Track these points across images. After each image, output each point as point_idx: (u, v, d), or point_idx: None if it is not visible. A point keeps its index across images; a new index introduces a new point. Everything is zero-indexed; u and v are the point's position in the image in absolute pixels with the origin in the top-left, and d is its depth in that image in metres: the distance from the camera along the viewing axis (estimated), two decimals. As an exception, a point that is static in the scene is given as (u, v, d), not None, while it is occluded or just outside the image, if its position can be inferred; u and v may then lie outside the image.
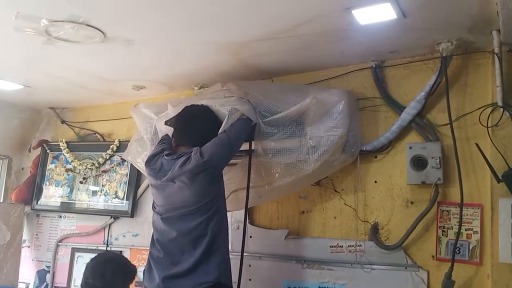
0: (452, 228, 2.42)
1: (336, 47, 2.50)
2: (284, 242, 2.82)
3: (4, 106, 3.73)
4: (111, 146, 3.50)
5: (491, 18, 2.05)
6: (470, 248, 2.38)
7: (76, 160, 3.62)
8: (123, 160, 3.41)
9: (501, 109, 2.28)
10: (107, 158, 3.52)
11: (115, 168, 3.51)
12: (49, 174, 3.76)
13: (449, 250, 2.40)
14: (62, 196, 3.67)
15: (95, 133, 3.70)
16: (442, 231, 2.46)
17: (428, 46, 2.45)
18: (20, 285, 3.66)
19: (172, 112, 2.51)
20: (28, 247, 3.79)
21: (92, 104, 3.74)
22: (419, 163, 2.44)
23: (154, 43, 2.45)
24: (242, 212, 2.52)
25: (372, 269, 2.59)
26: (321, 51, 2.56)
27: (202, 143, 2.23)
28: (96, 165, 3.54)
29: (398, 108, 2.59)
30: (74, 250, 3.59)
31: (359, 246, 2.63)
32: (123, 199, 3.43)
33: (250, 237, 2.89)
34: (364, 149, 2.62)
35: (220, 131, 2.30)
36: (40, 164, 3.79)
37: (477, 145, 2.29)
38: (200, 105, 2.39)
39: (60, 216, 3.73)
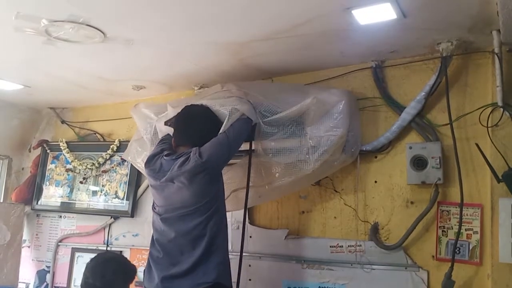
0: (452, 228, 2.42)
1: (336, 47, 2.50)
2: (284, 242, 2.82)
3: (4, 106, 3.73)
4: (111, 146, 3.50)
5: (491, 18, 2.05)
6: (470, 248, 2.38)
7: (76, 160, 3.62)
8: (123, 160, 3.41)
9: (501, 109, 2.28)
10: (107, 158, 3.52)
11: (115, 168, 3.51)
12: (49, 174, 3.76)
13: (449, 250, 2.40)
14: (62, 196, 3.67)
15: (95, 133, 3.70)
16: (442, 231, 2.45)
17: (428, 46, 2.45)
18: (20, 285, 3.66)
19: (171, 112, 2.51)
20: (28, 247, 3.79)
21: (92, 104, 3.74)
22: (419, 163, 2.44)
23: (154, 43, 2.45)
24: (242, 212, 2.51)
25: (372, 269, 2.59)
26: (321, 51, 2.56)
27: (201, 143, 2.23)
28: (96, 165, 3.54)
29: (398, 108, 2.59)
30: (74, 250, 3.59)
31: (359, 246, 2.63)
32: (123, 199, 3.43)
33: (250, 237, 2.89)
34: (364, 149, 2.62)
35: (220, 131, 2.30)
36: (40, 164, 3.79)
37: (477, 145, 2.29)
38: (200, 105, 2.39)
39: (60, 216, 3.73)
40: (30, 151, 3.98)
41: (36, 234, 3.80)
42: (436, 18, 2.12)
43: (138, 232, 3.38)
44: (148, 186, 3.07)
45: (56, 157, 3.76)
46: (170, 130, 2.50)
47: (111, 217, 3.48)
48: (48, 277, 3.66)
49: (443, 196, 2.46)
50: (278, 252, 2.83)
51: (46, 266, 3.70)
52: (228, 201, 2.53)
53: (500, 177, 2.19)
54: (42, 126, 3.99)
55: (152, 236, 2.36)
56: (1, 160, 3.95)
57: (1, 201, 3.91)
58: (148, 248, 2.37)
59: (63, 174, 3.70)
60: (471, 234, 2.39)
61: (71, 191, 3.64)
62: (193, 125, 2.35)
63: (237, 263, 2.42)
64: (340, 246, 2.69)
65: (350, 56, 2.63)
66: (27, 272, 3.74)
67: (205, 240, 2.17)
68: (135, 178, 3.41)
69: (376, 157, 2.66)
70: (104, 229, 3.51)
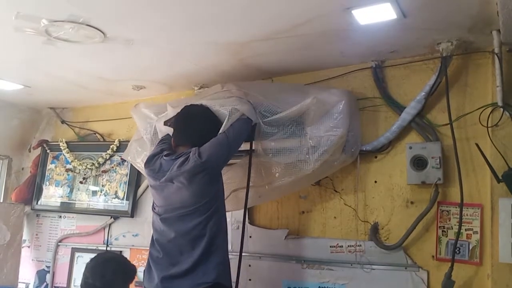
0: (452, 228, 2.42)
1: (336, 47, 2.50)
2: (284, 242, 2.82)
3: (4, 106, 3.73)
4: (111, 146, 3.50)
5: (491, 18, 2.05)
6: (470, 248, 2.38)
7: (76, 160, 3.62)
8: (123, 160, 3.41)
9: (501, 109, 2.28)
10: (107, 158, 3.52)
11: (115, 168, 3.51)
12: (49, 174, 3.76)
13: (449, 250, 2.40)
14: (62, 196, 3.67)
15: (95, 133, 3.70)
16: (442, 231, 2.45)
17: (428, 46, 2.45)
18: (20, 285, 3.66)
19: (171, 112, 2.51)
20: (28, 247, 3.79)
21: (92, 104, 3.74)
22: (419, 163, 2.44)
23: (154, 43, 2.45)
24: (242, 212, 2.51)
25: (372, 269, 2.59)
26: (321, 51, 2.56)
27: (201, 143, 2.23)
28: (96, 165, 3.54)
29: (398, 108, 2.59)
30: (74, 250, 3.59)
31: (359, 246, 2.63)
32: (123, 199, 3.43)
33: (250, 237, 2.89)
34: (364, 149, 2.62)
35: (220, 131, 2.30)
36: (40, 164, 3.79)
37: (477, 145, 2.29)
38: (200, 105, 2.39)
39: (60, 216, 3.73)
40: (30, 151, 3.98)
41: (36, 234, 3.80)
42: (436, 18, 2.12)
43: (138, 232, 3.38)
44: (148, 186, 3.07)
45: (56, 157, 3.76)
46: (170, 130, 2.49)
47: (111, 217, 3.48)
48: (48, 277, 3.66)
49: (443, 196, 2.46)
50: (278, 252, 2.83)
51: (46, 266, 3.70)
52: (228, 201, 2.53)
53: (500, 177, 2.19)
54: (42, 126, 3.99)
55: (152, 236, 2.36)
56: (1, 160, 3.95)
57: (1, 201, 3.91)
58: (148, 248, 2.37)
59: (63, 174, 3.70)
60: (471, 234, 2.39)
61: (71, 191, 3.64)
62: (192, 125, 2.35)
63: (237, 263, 2.42)
64: (340, 246, 2.69)
65: (350, 56, 2.63)
66: (27, 272, 3.74)
67: (204, 240, 2.17)
68: (135, 178, 3.41)
69: (376, 157, 2.66)
70: (104, 229, 3.51)
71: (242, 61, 2.67)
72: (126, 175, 3.45)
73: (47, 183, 3.75)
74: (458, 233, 2.34)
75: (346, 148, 2.51)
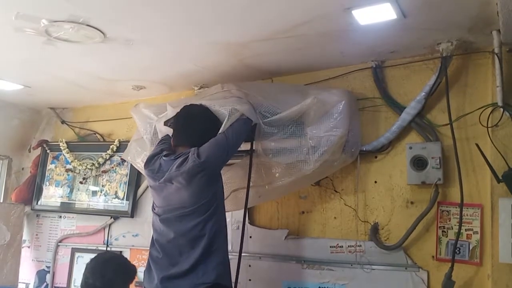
0: (452, 228, 2.42)
1: (336, 47, 2.50)
2: (284, 242, 2.82)
3: (4, 106, 3.73)
4: (111, 146, 3.50)
5: (491, 18, 2.05)
6: (470, 248, 2.38)
7: (76, 160, 3.62)
8: (123, 160, 3.41)
9: (501, 109, 2.28)
10: (107, 158, 3.52)
11: (115, 168, 3.51)
12: (49, 174, 3.76)
13: (449, 250, 2.40)
14: (62, 196, 3.67)
15: (95, 133, 3.70)
16: (442, 231, 2.45)
17: (428, 46, 2.45)
18: (20, 285, 3.66)
19: (171, 112, 2.51)
20: (28, 247, 3.79)
21: (92, 104, 3.74)
22: (419, 163, 2.44)
23: (154, 43, 2.45)
24: (242, 212, 2.51)
25: (372, 269, 2.59)
26: (321, 51, 2.56)
27: (200, 143, 2.23)
28: (96, 165, 3.54)
29: (398, 108, 2.59)
30: (74, 250, 3.59)
31: (359, 246, 2.63)
32: (123, 199, 3.43)
33: (250, 237, 2.89)
34: (364, 149, 2.62)
35: (220, 131, 2.29)
36: (40, 164, 3.79)
37: (477, 145, 2.29)
38: (200, 105, 2.39)
39: (60, 216, 3.73)
40: (30, 151, 3.98)
41: (36, 234, 3.80)
42: (436, 18, 2.12)
43: (138, 232, 3.38)
44: (148, 186, 3.07)
45: (56, 157, 3.76)
46: (169, 131, 2.49)
47: (111, 217, 3.48)
48: (48, 277, 3.66)
49: (443, 196, 2.46)
50: (278, 252, 2.83)
51: (46, 266, 3.70)
52: (228, 201, 2.53)
53: (500, 177, 2.19)
54: (42, 126, 3.99)
55: (152, 237, 2.36)
56: (1, 160, 3.94)
57: (1, 201, 3.91)
58: (148, 248, 2.37)
59: (63, 174, 3.70)
60: (471, 234, 2.38)
61: (71, 191, 3.64)
62: (192, 125, 2.34)
63: (237, 263, 2.41)
64: (340, 246, 2.69)
65: (350, 56, 2.63)
66: (27, 272, 3.73)
67: (204, 240, 2.16)
68: (135, 178, 3.41)
69: (376, 157, 2.66)
70: (104, 229, 3.51)
71: (242, 61, 2.67)
72: (126, 175, 3.45)
73: (47, 183, 3.75)
74: (458, 233, 2.34)
75: (346, 148, 2.51)
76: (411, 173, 2.46)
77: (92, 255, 2.58)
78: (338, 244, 2.70)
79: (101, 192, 3.53)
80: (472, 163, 2.41)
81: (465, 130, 2.44)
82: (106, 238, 3.49)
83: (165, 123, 2.53)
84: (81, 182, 3.60)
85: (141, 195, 3.40)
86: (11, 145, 3.93)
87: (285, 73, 2.90)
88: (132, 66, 2.83)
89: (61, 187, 3.68)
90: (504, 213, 2.21)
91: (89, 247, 3.54)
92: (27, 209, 3.77)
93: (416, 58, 2.58)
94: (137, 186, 3.41)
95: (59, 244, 3.67)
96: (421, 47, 2.47)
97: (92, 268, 2.42)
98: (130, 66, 2.84)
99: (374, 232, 2.61)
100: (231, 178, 2.60)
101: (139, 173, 3.30)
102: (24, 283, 3.73)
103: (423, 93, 2.48)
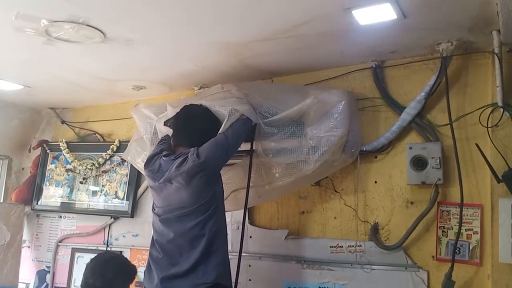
0: (452, 228, 2.42)
1: (336, 47, 2.50)
2: (284, 242, 2.82)
3: (4, 106, 3.73)
4: (111, 147, 3.50)
5: (491, 18, 2.05)
6: (470, 248, 2.38)
7: (76, 161, 3.62)
8: (123, 160, 3.41)
9: (501, 109, 2.28)
10: (107, 158, 3.52)
11: (115, 168, 3.51)
12: (49, 174, 3.76)
13: (449, 251, 2.40)
14: (62, 196, 3.67)
15: (95, 133, 3.70)
16: (442, 231, 2.45)
17: (428, 46, 2.45)
18: (20, 285, 3.66)
19: (171, 112, 2.51)
20: (28, 247, 3.79)
21: (92, 104, 3.74)
22: (419, 163, 2.44)
23: (154, 43, 2.45)
24: (242, 212, 2.51)
25: (372, 269, 2.59)
26: (321, 51, 2.56)
27: (200, 144, 2.23)
28: (96, 165, 3.54)
29: (398, 108, 2.59)
30: (74, 250, 3.59)
31: (359, 246, 2.63)
32: (123, 199, 3.43)
33: (250, 237, 2.89)
34: (364, 149, 2.62)
35: (220, 131, 2.29)
36: (40, 164, 3.79)
37: (477, 145, 2.29)
38: (200, 105, 2.39)
39: (60, 216, 3.73)
40: (30, 151, 3.98)
41: (36, 234, 3.80)
42: (436, 18, 2.12)
43: (138, 232, 3.38)
44: (148, 186, 3.07)
45: (56, 157, 3.76)
46: (170, 131, 2.49)
47: (111, 217, 3.48)
48: (48, 277, 3.66)
49: (443, 196, 2.46)
50: (278, 252, 2.83)
51: (46, 266, 3.70)
52: (228, 201, 2.53)
53: (500, 177, 2.19)
54: (42, 126, 3.99)
55: (152, 237, 2.36)
56: (1, 160, 3.94)
57: (1, 201, 3.91)
58: (148, 248, 2.37)
59: (63, 174, 3.70)
60: (471, 234, 2.38)
61: (71, 191, 3.64)
62: (192, 125, 2.34)
63: (237, 263, 2.41)
64: (340, 246, 2.69)
65: (350, 56, 2.63)
66: (27, 272, 3.73)
67: (203, 240, 2.16)
68: (135, 178, 3.41)
69: (376, 157, 2.66)
70: (104, 229, 3.51)
71: (242, 61, 2.67)
72: (126, 175, 3.46)
73: (47, 183, 3.75)
74: (458, 233, 2.34)
75: (346, 148, 2.51)
76: (411, 173, 2.46)
77: (92, 255, 2.58)
78: (338, 244, 2.70)
79: (101, 192, 3.53)
80: (472, 163, 2.41)
81: (465, 130, 2.44)
82: (106, 238, 3.49)
83: (165, 123, 2.53)
84: (81, 182, 3.60)
85: (141, 195, 3.40)
86: (11, 145, 3.93)
87: (285, 73, 2.90)
88: (132, 66, 2.83)
89: (61, 187, 3.68)
90: (504, 213, 2.21)
91: (89, 247, 3.54)
92: (27, 209, 3.77)
93: (416, 58, 2.58)
94: (137, 186, 3.41)
95: (59, 244, 3.67)
96: (421, 47, 2.47)
97: (92, 268, 2.42)
98: (130, 66, 2.84)
99: (374, 232, 2.61)
100: (231, 178, 2.60)
101: (139, 173, 3.30)
102: (24, 283, 3.73)
103: (423, 93, 2.48)
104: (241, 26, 2.24)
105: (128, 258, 2.83)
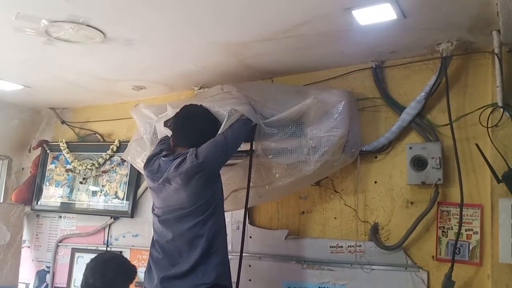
0: (452, 229, 2.42)
1: (336, 47, 2.50)
2: (284, 242, 2.82)
3: (4, 106, 3.73)
4: (111, 147, 3.50)
5: (491, 19, 2.05)
6: (470, 248, 2.38)
7: (76, 161, 3.62)
8: (123, 161, 3.41)
9: (501, 110, 2.28)
10: (107, 158, 3.52)
11: (115, 169, 3.51)
12: (49, 174, 3.76)
13: (449, 251, 2.40)
14: (62, 197, 3.67)
15: (95, 134, 3.70)
16: (442, 231, 2.45)
17: (428, 46, 2.45)
18: (20, 285, 3.65)
19: (171, 113, 2.51)
20: (28, 247, 3.79)
21: (92, 104, 3.74)
22: (419, 163, 2.44)
23: (154, 43, 2.45)
24: (242, 212, 2.51)
25: (372, 270, 2.59)
26: (321, 51, 2.56)
27: (200, 144, 2.22)
28: (96, 165, 3.54)
29: (398, 108, 2.59)
30: (74, 251, 3.59)
31: (359, 246, 2.63)
32: (123, 199, 3.43)
33: (250, 237, 2.89)
34: (364, 149, 2.62)
35: (219, 132, 2.29)
36: (40, 165, 3.79)
37: (477, 145, 2.29)
38: (199, 105, 2.38)
39: (60, 217, 3.73)
40: (30, 151, 3.98)
41: (36, 235, 3.80)
42: (436, 18, 2.12)
43: (138, 232, 3.38)
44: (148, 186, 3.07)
45: (56, 158, 3.76)
46: (169, 132, 2.49)
47: (111, 218, 3.48)
48: (48, 277, 3.66)
49: (443, 196, 2.46)
50: (278, 253, 2.83)
51: (46, 266, 3.70)
52: (228, 201, 2.53)
53: (500, 177, 2.19)
54: (42, 127, 3.99)
55: (153, 237, 2.36)
56: (1, 160, 3.94)
57: (1, 201, 3.91)
58: (148, 248, 2.37)
59: (63, 175, 3.70)
60: (471, 235, 2.38)
61: (71, 191, 3.64)
62: (191, 125, 2.34)
63: (237, 264, 2.41)
64: (340, 247, 2.69)
65: (350, 56, 2.63)
66: (27, 273, 3.73)
67: (203, 241, 2.16)
68: (135, 179, 3.41)
69: (376, 157, 2.66)
70: (104, 229, 3.51)
71: (242, 61, 2.67)
72: (126, 176, 3.45)
73: (47, 183, 3.75)
74: (458, 234, 2.34)
75: (346, 148, 2.51)
76: (411, 173, 2.46)
77: (92, 255, 2.58)
78: (338, 244, 2.70)
79: (101, 192, 3.53)
80: (472, 163, 2.41)
81: (465, 130, 2.44)
82: (106, 238, 3.49)
83: (165, 124, 2.53)
84: (81, 182, 3.60)
85: (141, 195, 3.40)
86: (11, 145, 3.93)
87: (285, 73, 2.90)
88: (132, 66, 2.83)
89: (61, 187, 3.68)
90: (504, 213, 2.21)
91: (89, 247, 3.53)
92: (27, 209, 3.77)
93: (416, 58, 2.58)
94: (137, 186, 3.41)
95: (59, 244, 3.67)
96: (421, 47, 2.47)
97: (92, 268, 2.42)
98: (130, 66, 2.84)
99: (374, 232, 2.61)
100: (231, 178, 2.60)
101: (139, 173, 3.30)
102: (24, 283, 3.73)
103: (423, 93, 2.48)
104: (241, 26, 2.24)
105: (128, 258, 2.83)
